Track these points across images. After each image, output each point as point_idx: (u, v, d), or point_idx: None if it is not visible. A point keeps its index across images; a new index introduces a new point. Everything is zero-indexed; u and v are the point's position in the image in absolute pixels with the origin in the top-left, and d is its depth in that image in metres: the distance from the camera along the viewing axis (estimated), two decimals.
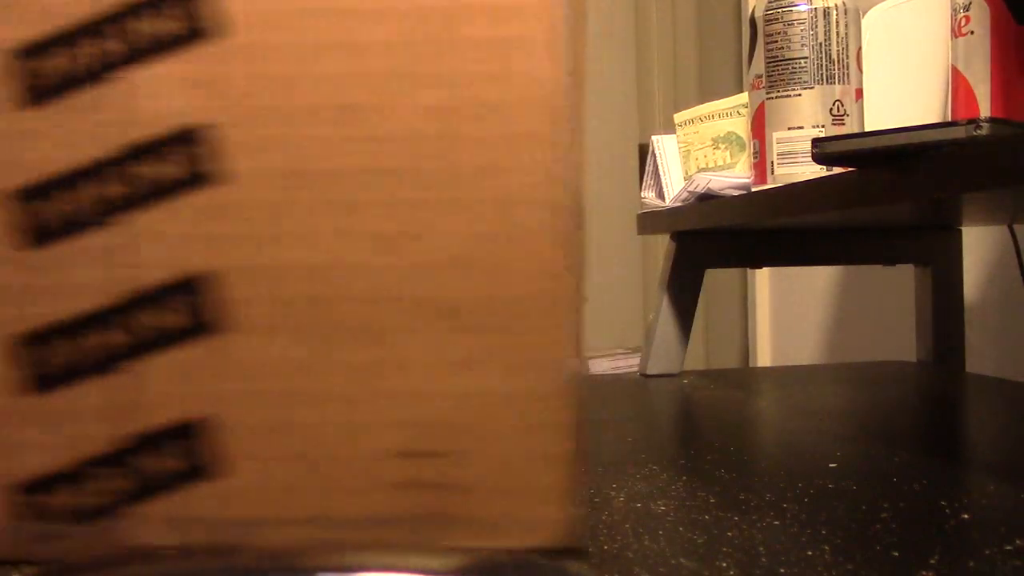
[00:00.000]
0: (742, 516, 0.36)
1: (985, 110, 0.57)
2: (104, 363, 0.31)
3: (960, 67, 0.58)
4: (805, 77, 0.69)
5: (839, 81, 0.69)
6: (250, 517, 0.31)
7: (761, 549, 0.32)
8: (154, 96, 0.30)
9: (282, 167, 0.30)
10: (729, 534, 0.34)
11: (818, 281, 1.27)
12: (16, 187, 0.30)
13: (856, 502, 0.38)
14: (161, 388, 0.31)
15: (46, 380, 0.31)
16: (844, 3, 0.69)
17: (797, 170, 0.67)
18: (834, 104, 0.69)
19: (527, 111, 0.30)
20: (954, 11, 0.58)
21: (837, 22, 0.69)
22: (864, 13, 0.73)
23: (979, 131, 0.44)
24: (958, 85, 0.58)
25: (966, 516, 0.36)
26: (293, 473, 0.31)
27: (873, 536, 0.33)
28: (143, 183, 0.30)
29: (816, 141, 0.52)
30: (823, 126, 0.69)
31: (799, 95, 0.69)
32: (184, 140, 0.30)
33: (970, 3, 0.57)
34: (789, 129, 0.68)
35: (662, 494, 0.40)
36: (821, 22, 0.69)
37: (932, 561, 0.30)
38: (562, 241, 0.31)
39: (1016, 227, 0.90)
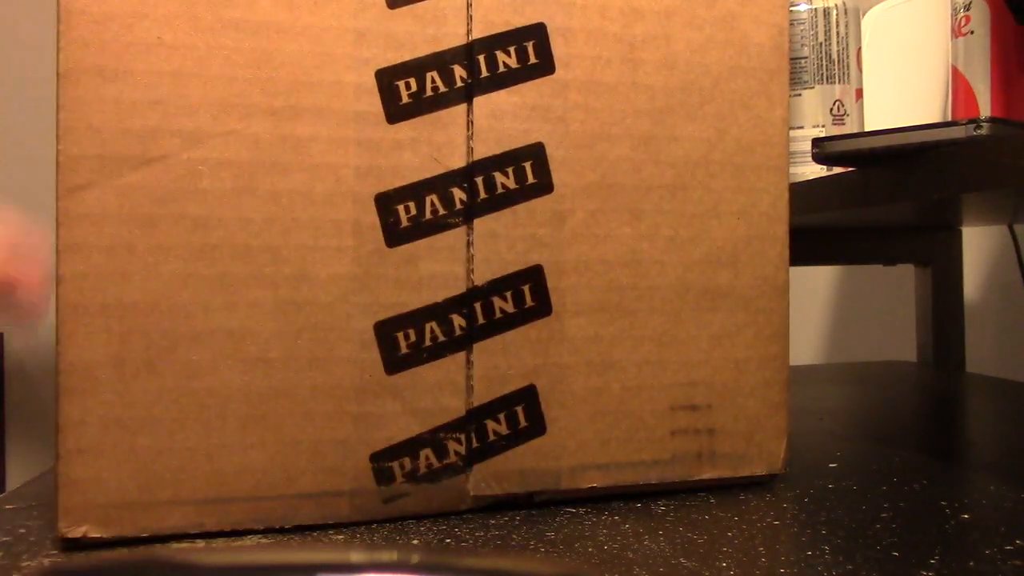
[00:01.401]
0: (742, 516, 0.36)
1: (985, 110, 0.57)
2: (450, 344, 0.36)
3: (960, 67, 0.58)
4: (805, 77, 0.69)
5: (839, 81, 0.69)
6: (561, 467, 0.38)
7: (761, 549, 0.32)
8: (496, 117, 0.36)
9: (595, 181, 0.38)
10: (729, 534, 0.34)
11: (818, 281, 1.27)
12: (381, 190, 0.35)
13: (856, 502, 0.38)
14: (498, 364, 0.37)
15: (400, 361, 0.35)
16: (844, 3, 0.69)
17: (797, 170, 0.67)
18: (834, 104, 0.69)
19: (768, 151, 0.41)
20: (954, 11, 0.58)
21: (837, 22, 0.69)
22: (864, 13, 0.73)
23: (979, 131, 0.44)
24: (958, 85, 0.58)
25: (966, 516, 0.36)
26: (600, 428, 0.38)
27: (873, 536, 0.33)
28: (487, 191, 0.36)
29: (816, 141, 0.52)
30: (823, 126, 0.69)
31: (799, 95, 0.69)
32: (521, 156, 0.37)
33: (970, 3, 0.57)
34: (789, 129, 0.68)
35: (662, 494, 0.40)
36: (821, 22, 0.69)
37: (932, 561, 0.30)
38: (785, 241, 0.42)
39: (1016, 227, 0.90)
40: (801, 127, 0.68)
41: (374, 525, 0.35)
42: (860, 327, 1.21)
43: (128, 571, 0.20)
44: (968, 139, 0.44)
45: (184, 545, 0.33)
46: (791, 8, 0.68)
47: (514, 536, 0.34)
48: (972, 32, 0.57)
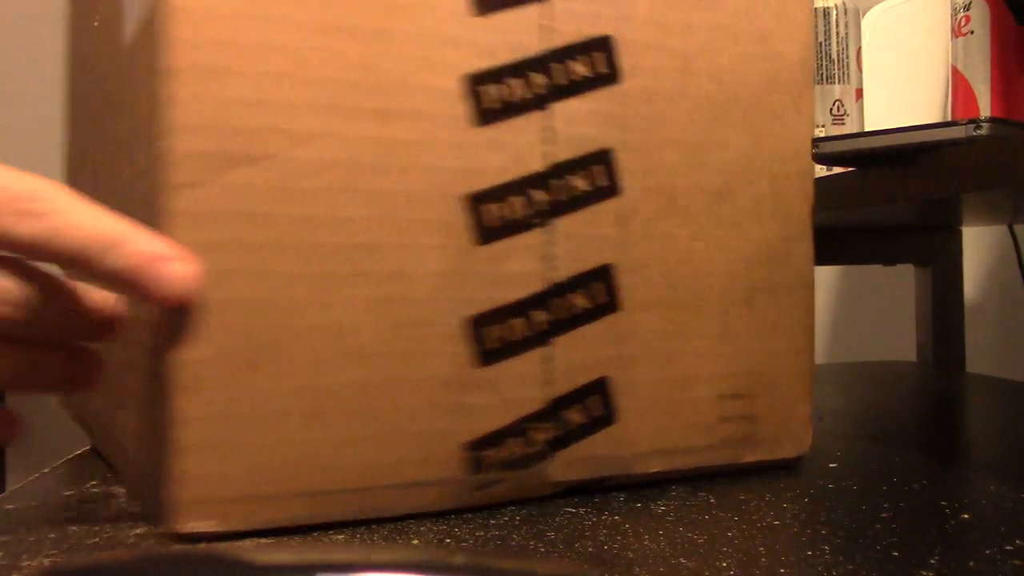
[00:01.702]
0: (742, 516, 0.36)
1: (985, 110, 0.57)
2: (534, 339, 0.38)
3: (960, 67, 0.58)
4: None
5: (839, 81, 0.69)
6: (631, 453, 0.40)
7: (761, 549, 0.32)
8: (570, 123, 0.38)
9: (655, 185, 0.40)
10: (729, 534, 0.34)
11: (818, 281, 1.27)
12: (470, 191, 0.36)
13: (856, 502, 0.38)
14: (575, 356, 0.39)
15: (489, 354, 0.37)
16: (844, 3, 0.69)
17: None
18: (834, 104, 0.69)
19: (797, 159, 0.44)
20: (954, 11, 0.58)
21: (837, 22, 0.69)
22: (864, 13, 0.73)
23: (979, 131, 0.44)
24: (958, 85, 0.58)
25: (966, 516, 0.36)
26: (662, 416, 0.41)
27: (873, 536, 0.33)
28: (563, 193, 0.38)
29: (816, 141, 0.52)
30: (823, 126, 0.69)
31: None
32: (592, 161, 0.39)
33: (970, 3, 0.57)
34: None
35: (662, 494, 0.40)
36: (821, 22, 0.69)
37: (932, 561, 0.30)
38: (811, 241, 0.45)
39: (1016, 227, 0.90)
40: None
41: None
42: (860, 327, 1.21)
43: (128, 570, 0.20)
44: (968, 139, 0.44)
45: (184, 546, 0.33)
46: None
47: (514, 536, 0.34)
48: (972, 32, 0.57)
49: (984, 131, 0.43)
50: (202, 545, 0.33)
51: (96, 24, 0.47)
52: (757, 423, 0.43)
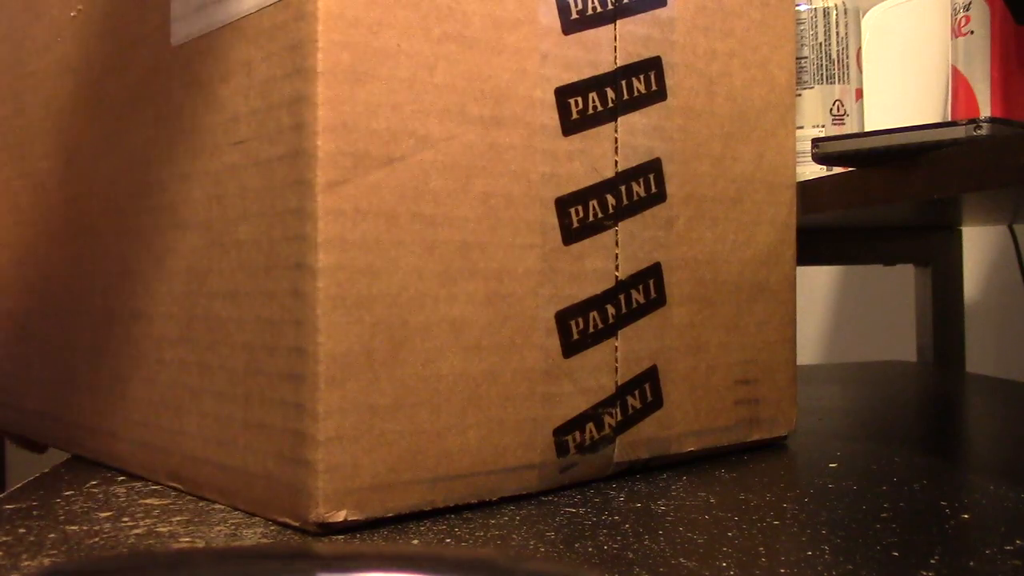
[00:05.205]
0: (742, 516, 0.36)
1: (985, 110, 0.57)
2: (605, 331, 0.42)
3: (960, 67, 0.58)
4: (805, 77, 0.69)
5: (839, 81, 0.69)
6: (672, 435, 0.44)
7: (761, 549, 0.32)
8: (632, 135, 0.42)
9: (690, 192, 0.45)
10: (729, 534, 0.34)
11: (818, 281, 1.27)
12: (559, 195, 0.40)
13: (856, 502, 0.38)
14: (634, 347, 0.43)
15: (571, 346, 0.40)
16: (844, 3, 0.69)
17: (797, 170, 0.67)
18: (834, 104, 0.69)
19: (785, 171, 0.49)
20: (954, 11, 0.58)
21: (837, 22, 0.69)
22: (864, 13, 0.73)
23: (979, 131, 0.44)
24: (958, 85, 0.58)
25: (966, 516, 0.36)
26: (694, 400, 0.45)
27: (873, 536, 0.33)
28: (627, 198, 0.42)
29: (816, 141, 0.52)
30: (823, 126, 0.69)
31: (799, 95, 0.69)
32: (647, 169, 0.43)
33: (970, 3, 0.57)
34: None
35: (662, 494, 0.40)
36: (821, 22, 0.69)
37: (932, 561, 0.30)
38: (795, 244, 0.50)
39: (1016, 227, 0.90)
40: (801, 127, 0.68)
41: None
42: (860, 327, 1.21)
43: (128, 570, 0.20)
44: (968, 139, 0.44)
45: (184, 544, 0.33)
46: None
47: (514, 536, 0.34)
48: (972, 32, 0.57)
49: (984, 131, 0.43)
50: (202, 544, 0.33)
51: (73, 15, 0.47)
52: (760, 405, 0.48)
